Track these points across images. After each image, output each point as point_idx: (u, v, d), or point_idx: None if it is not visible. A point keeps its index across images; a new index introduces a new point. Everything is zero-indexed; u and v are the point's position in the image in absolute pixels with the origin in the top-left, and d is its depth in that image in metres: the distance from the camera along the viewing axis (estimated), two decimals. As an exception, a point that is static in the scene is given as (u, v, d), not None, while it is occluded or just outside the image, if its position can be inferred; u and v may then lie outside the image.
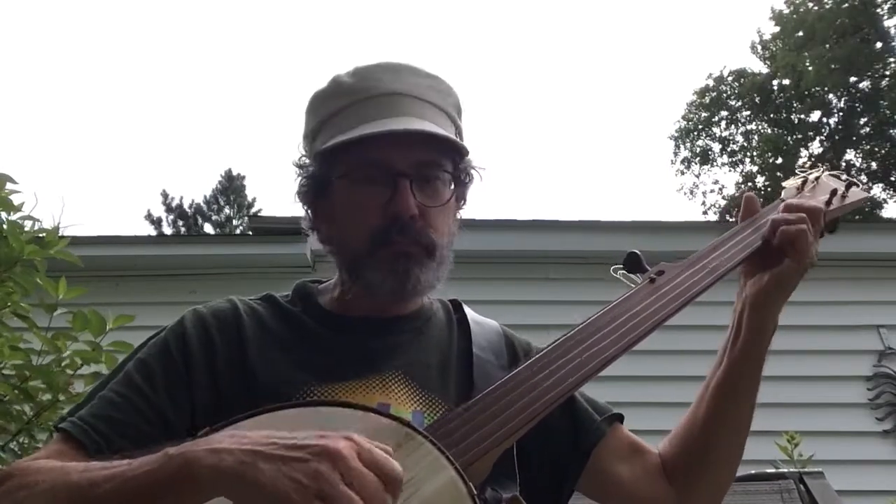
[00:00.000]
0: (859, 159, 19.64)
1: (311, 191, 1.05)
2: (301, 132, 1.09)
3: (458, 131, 1.07)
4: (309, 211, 1.07)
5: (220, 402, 0.93)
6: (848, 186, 1.12)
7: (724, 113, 21.06)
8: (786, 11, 19.97)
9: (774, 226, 0.99)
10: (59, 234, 1.93)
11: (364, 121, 0.98)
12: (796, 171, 1.19)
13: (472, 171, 1.07)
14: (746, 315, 1.00)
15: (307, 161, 1.06)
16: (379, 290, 0.99)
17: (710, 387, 1.02)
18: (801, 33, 19.24)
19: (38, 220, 1.95)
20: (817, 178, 1.15)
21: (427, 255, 0.99)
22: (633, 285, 0.99)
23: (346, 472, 0.64)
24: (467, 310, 1.14)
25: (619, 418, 1.10)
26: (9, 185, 1.88)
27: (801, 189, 1.15)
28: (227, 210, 24.24)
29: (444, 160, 1.02)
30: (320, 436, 0.67)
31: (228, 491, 0.66)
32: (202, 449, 0.68)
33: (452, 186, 1.04)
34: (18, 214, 1.90)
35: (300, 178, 1.06)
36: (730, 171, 21.22)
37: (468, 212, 1.12)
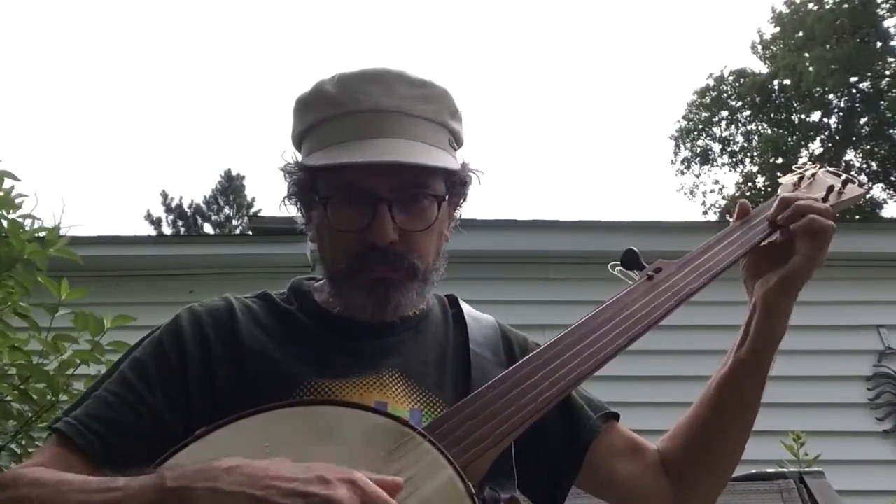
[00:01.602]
0: (859, 159, 19.64)
1: (300, 199, 1.04)
2: (289, 132, 1.07)
3: (455, 137, 1.04)
4: (301, 213, 1.07)
5: (216, 399, 0.93)
6: (844, 183, 1.12)
7: (724, 113, 21.07)
8: (786, 12, 19.97)
9: (799, 210, 0.98)
10: (60, 233, 1.93)
11: (347, 139, 0.95)
12: (793, 169, 1.20)
13: (470, 175, 1.05)
14: (756, 319, 0.99)
15: (295, 167, 1.03)
16: (359, 312, 0.99)
17: (714, 386, 1.02)
18: (800, 34, 19.25)
19: (39, 220, 1.95)
20: (814, 175, 1.16)
21: (409, 278, 0.98)
22: (630, 282, 0.99)
23: None
24: (464, 305, 1.14)
25: (615, 416, 1.10)
26: (12, 183, 1.89)
27: (797, 185, 1.15)
28: (226, 210, 24.27)
29: (430, 180, 0.99)
30: (321, 479, 0.66)
31: None
32: (201, 487, 0.67)
33: (444, 201, 1.01)
34: (18, 213, 1.90)
35: (289, 181, 1.04)
36: (730, 171, 21.26)
37: (468, 212, 1.10)
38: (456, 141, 1.05)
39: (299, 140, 1.04)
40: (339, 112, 0.98)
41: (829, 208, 1.01)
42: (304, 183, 1.02)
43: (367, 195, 0.95)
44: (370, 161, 0.92)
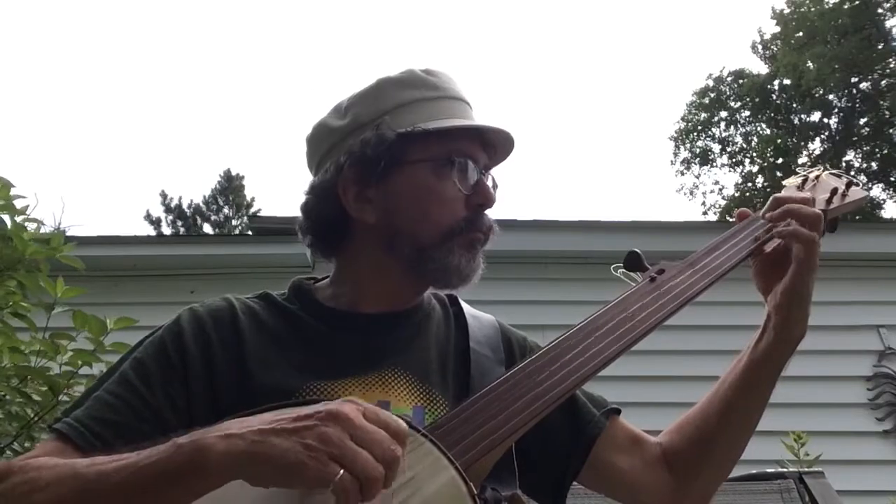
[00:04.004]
0: (859, 160, 19.65)
1: (365, 173, 1.02)
2: (349, 119, 1.05)
3: None
4: (350, 193, 1.03)
5: (217, 400, 0.93)
6: (848, 185, 1.12)
7: (723, 113, 21.08)
8: (787, 11, 19.97)
9: (787, 211, 1.01)
10: (64, 238, 1.94)
11: (454, 115, 1.04)
12: (796, 171, 1.20)
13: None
14: (773, 322, 0.99)
15: (359, 146, 1.01)
16: (453, 274, 1.01)
17: (727, 383, 1.03)
18: (801, 33, 19.25)
19: (41, 223, 1.95)
20: (817, 177, 1.15)
21: (485, 244, 1.06)
22: (633, 284, 0.99)
23: (353, 430, 0.66)
24: (464, 304, 1.15)
25: (617, 412, 1.11)
26: (13, 188, 1.89)
27: (801, 187, 1.15)
28: (226, 210, 24.25)
29: (498, 164, 1.11)
30: (324, 403, 0.70)
31: (244, 473, 0.67)
32: (213, 436, 0.69)
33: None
34: (21, 217, 1.90)
35: (346, 161, 1.02)
36: (730, 171, 21.27)
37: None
38: None
39: (379, 117, 1.03)
40: (439, 94, 1.06)
41: (819, 215, 1.00)
42: (384, 155, 1.01)
43: (475, 163, 1.04)
44: (489, 126, 1.04)
